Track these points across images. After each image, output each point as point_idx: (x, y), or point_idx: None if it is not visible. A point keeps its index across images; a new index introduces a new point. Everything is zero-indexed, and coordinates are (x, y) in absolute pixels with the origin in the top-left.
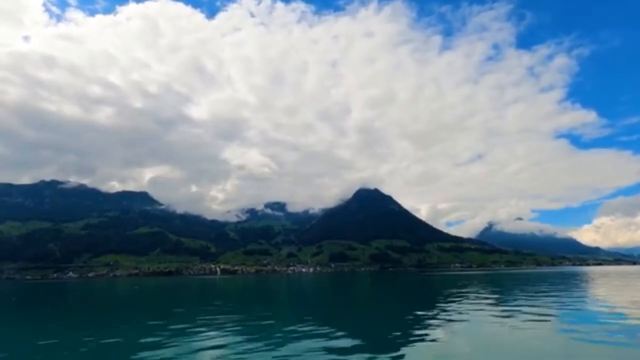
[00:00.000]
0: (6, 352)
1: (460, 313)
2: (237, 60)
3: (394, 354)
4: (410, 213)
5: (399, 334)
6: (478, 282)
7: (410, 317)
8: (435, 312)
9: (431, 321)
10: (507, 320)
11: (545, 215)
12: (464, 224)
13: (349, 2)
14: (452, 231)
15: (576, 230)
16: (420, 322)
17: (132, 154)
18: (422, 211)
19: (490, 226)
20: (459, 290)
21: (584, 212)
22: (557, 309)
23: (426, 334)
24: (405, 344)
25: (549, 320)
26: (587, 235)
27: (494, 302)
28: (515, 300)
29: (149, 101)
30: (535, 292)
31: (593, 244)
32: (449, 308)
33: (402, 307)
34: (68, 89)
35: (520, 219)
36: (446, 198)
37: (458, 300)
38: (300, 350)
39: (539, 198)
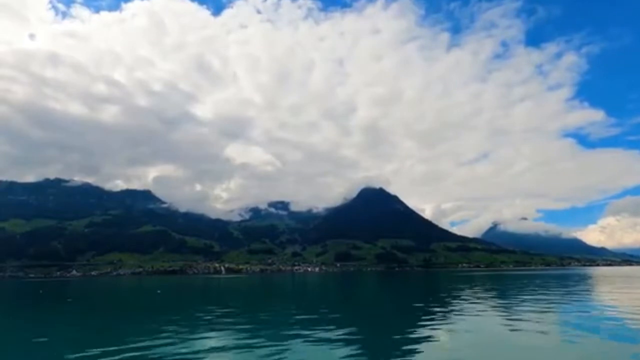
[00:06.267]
0: None
1: (476, 315)
2: (242, 58)
3: (397, 354)
4: (416, 212)
5: (403, 334)
6: (492, 282)
7: (419, 318)
8: (445, 314)
9: (439, 323)
10: (518, 323)
11: (550, 215)
12: (468, 224)
13: None
14: (456, 231)
15: (581, 230)
16: (427, 324)
17: (136, 152)
18: (426, 211)
19: (494, 226)
20: (475, 292)
21: (589, 212)
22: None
23: (432, 336)
24: (409, 345)
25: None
26: (592, 236)
27: (513, 304)
28: (532, 302)
29: (153, 99)
30: (552, 294)
31: (598, 245)
32: (459, 310)
33: (410, 308)
34: (73, 87)
35: (525, 218)
36: (450, 197)
37: (473, 302)
38: (306, 352)
39: (544, 198)
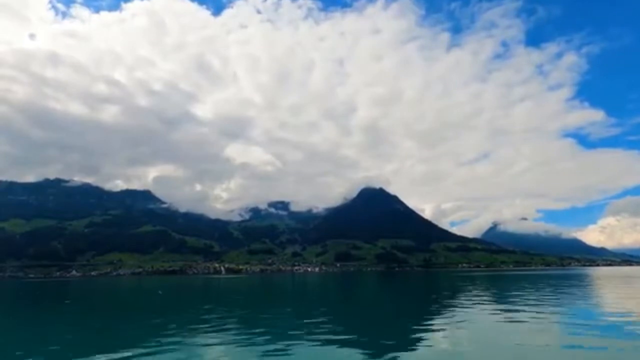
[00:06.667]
0: None
1: (477, 316)
2: (242, 58)
3: (399, 355)
4: (416, 212)
5: (404, 335)
6: (493, 283)
7: (420, 318)
8: (446, 315)
9: (440, 324)
10: (521, 323)
11: (550, 216)
12: (468, 224)
13: None
14: (456, 231)
15: (581, 230)
16: (428, 325)
17: (136, 152)
18: (426, 211)
19: (494, 226)
20: (477, 292)
21: (589, 212)
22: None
23: (433, 337)
24: (410, 346)
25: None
26: (592, 236)
27: (514, 304)
28: (534, 302)
29: (153, 99)
30: (554, 294)
31: (598, 245)
32: (461, 310)
33: (411, 309)
34: (73, 87)
35: (525, 219)
36: (450, 197)
37: (477, 302)
38: (307, 353)
39: (544, 198)
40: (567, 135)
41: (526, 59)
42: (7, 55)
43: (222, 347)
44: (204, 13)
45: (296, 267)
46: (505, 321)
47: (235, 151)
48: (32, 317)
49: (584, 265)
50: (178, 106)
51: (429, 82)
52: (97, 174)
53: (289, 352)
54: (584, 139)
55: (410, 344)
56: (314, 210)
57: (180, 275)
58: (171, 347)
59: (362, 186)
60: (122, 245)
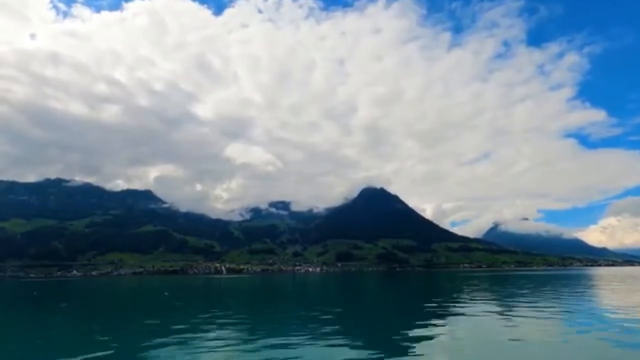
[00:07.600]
0: None
1: (479, 316)
2: (243, 58)
3: (401, 354)
4: (417, 212)
5: (406, 336)
6: (496, 283)
7: (422, 319)
8: (448, 315)
9: (442, 325)
10: (523, 324)
11: (551, 216)
12: (469, 224)
13: None
14: (457, 231)
15: (582, 230)
16: (430, 326)
17: (137, 152)
18: (427, 211)
19: (495, 226)
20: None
21: (590, 213)
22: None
23: (435, 338)
24: (412, 348)
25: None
26: (593, 236)
27: (517, 305)
28: (536, 302)
29: (154, 99)
30: (554, 295)
31: (599, 245)
32: (463, 311)
33: (413, 309)
34: (74, 87)
35: (525, 219)
36: (451, 197)
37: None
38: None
39: (545, 198)
40: (568, 135)
41: (527, 58)
42: (7, 55)
43: (225, 347)
44: (204, 12)
45: (297, 267)
46: (507, 321)
47: (235, 151)
48: (30, 319)
49: (586, 266)
50: (178, 106)
51: (429, 82)
52: (97, 174)
53: (291, 352)
54: (585, 139)
55: (411, 345)
56: (315, 210)
57: (181, 275)
58: (178, 348)
59: (363, 186)
60: (123, 245)
